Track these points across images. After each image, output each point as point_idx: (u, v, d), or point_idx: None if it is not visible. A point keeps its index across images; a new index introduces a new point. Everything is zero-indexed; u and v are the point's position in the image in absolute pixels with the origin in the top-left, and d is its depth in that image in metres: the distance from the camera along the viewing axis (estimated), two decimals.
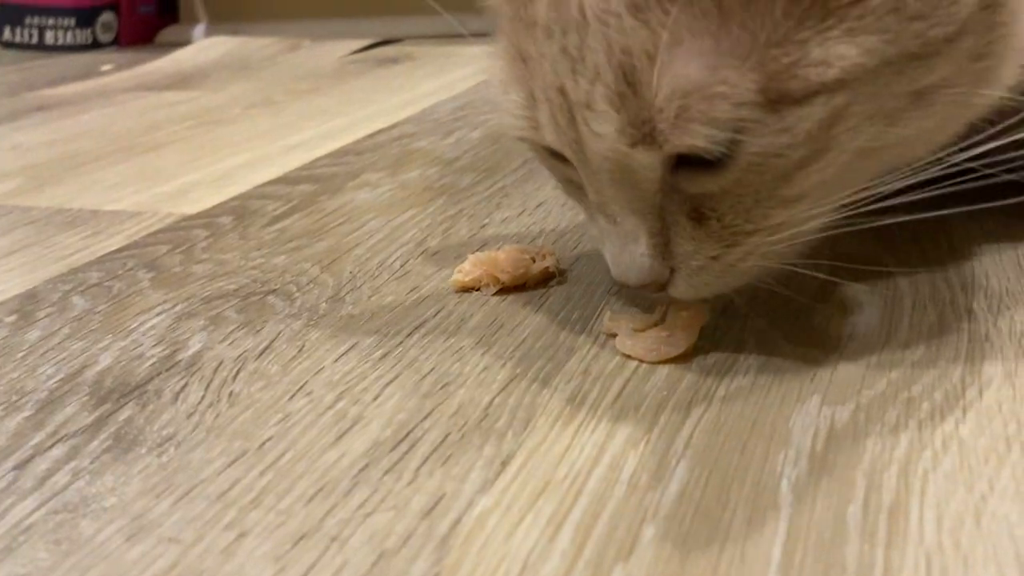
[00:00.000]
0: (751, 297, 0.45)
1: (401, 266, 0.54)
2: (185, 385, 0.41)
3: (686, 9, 0.31)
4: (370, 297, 0.50)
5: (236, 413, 0.38)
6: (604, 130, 0.33)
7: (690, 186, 0.35)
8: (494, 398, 0.38)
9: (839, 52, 0.31)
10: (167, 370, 0.43)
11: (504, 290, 0.49)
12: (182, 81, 1.34)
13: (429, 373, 0.41)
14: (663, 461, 0.33)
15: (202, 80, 1.35)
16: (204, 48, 1.63)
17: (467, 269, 0.49)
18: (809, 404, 0.36)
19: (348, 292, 0.50)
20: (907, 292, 0.45)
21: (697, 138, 0.32)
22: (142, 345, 0.45)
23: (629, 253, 0.37)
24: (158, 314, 0.49)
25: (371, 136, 0.90)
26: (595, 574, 0.28)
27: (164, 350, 0.45)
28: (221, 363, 0.43)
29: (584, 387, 0.39)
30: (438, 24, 1.71)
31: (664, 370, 0.39)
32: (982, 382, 0.37)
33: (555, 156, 0.39)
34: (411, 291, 0.50)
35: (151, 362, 0.44)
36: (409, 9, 1.77)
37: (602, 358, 0.41)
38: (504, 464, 0.34)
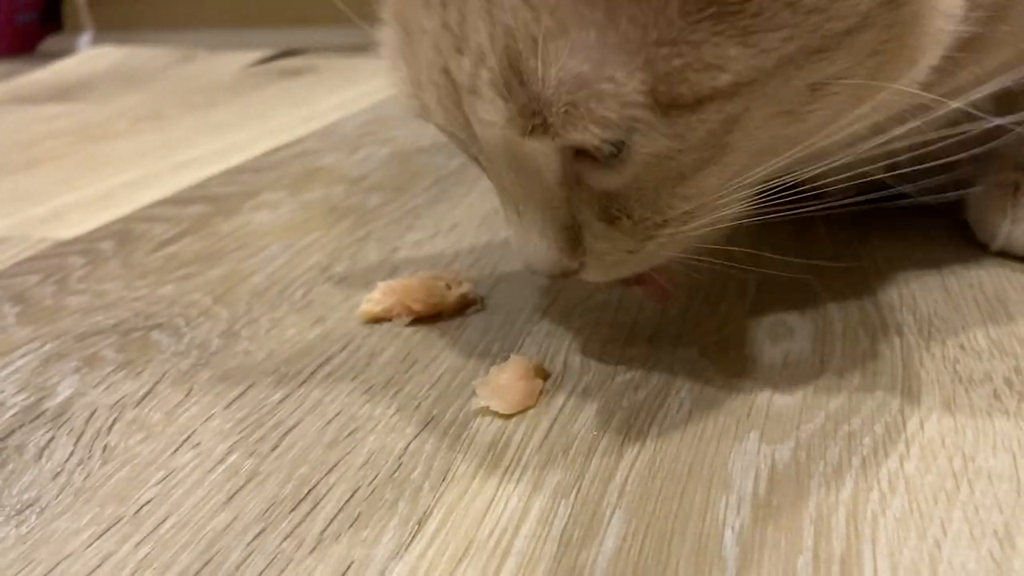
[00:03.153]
0: (679, 324, 0.43)
1: (304, 295, 0.50)
2: (52, 439, 0.36)
3: None
4: (269, 331, 0.45)
5: (110, 472, 0.34)
6: (492, 118, 0.31)
7: (592, 180, 0.33)
8: (408, 445, 0.35)
9: (732, 54, 0.29)
10: (31, 421, 0.37)
11: (418, 320, 0.45)
12: (63, 93, 1.26)
13: (335, 418, 0.37)
14: (596, 513, 0.30)
15: (86, 92, 1.27)
16: (89, 58, 1.54)
17: (377, 298, 0.46)
18: (747, 442, 0.34)
19: (244, 326, 0.46)
20: (837, 316, 0.43)
21: (587, 136, 0.30)
22: (3, 392, 0.40)
23: (535, 245, 0.34)
24: (23, 355, 0.43)
25: (270, 153, 0.85)
26: None
27: (28, 397, 0.39)
28: (94, 412, 0.38)
29: (507, 429, 0.35)
30: (343, 35, 1.67)
31: (593, 406, 0.36)
32: (922, 413, 0.35)
33: (454, 136, 0.35)
34: (315, 323, 0.46)
35: (12, 412, 0.38)
36: (312, 19, 1.72)
37: None
38: (420, 523, 0.30)
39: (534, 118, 0.30)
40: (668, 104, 0.29)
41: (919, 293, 0.45)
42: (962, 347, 0.40)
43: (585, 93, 0.29)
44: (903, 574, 0.27)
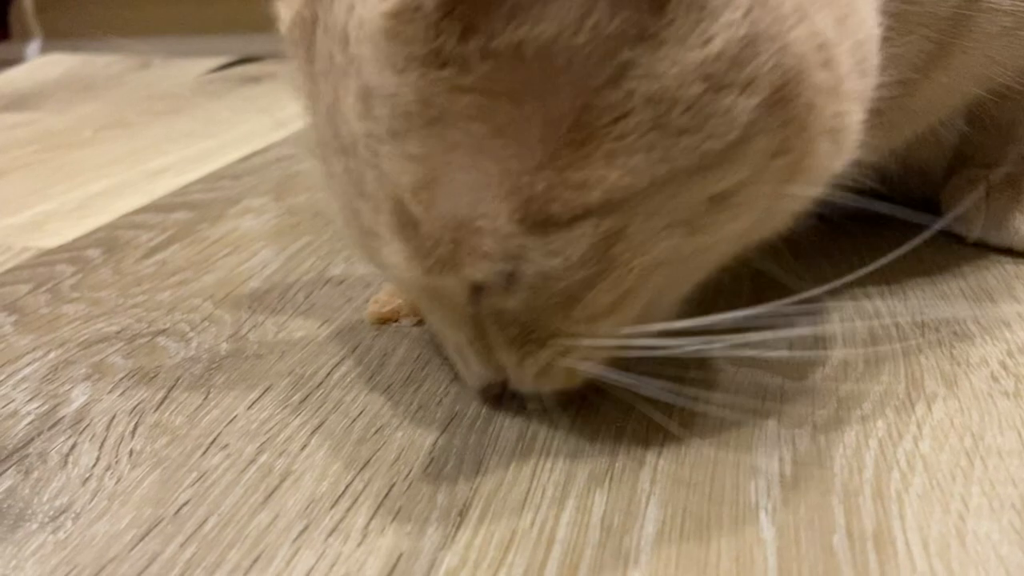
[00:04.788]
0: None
1: (305, 298, 0.50)
2: (74, 445, 0.36)
3: (440, 140, 0.29)
4: (277, 334, 0.45)
5: (141, 475, 0.34)
6: (394, 260, 0.32)
7: (492, 302, 0.33)
8: (436, 440, 0.35)
9: (599, 175, 0.28)
10: (49, 429, 0.37)
11: (424, 321, 0.46)
12: (19, 102, 1.23)
13: (359, 417, 0.37)
14: (632, 500, 0.31)
15: (42, 101, 1.24)
16: (41, 66, 1.51)
17: (384, 299, 0.46)
18: (766, 428, 0.35)
19: (250, 330, 0.46)
20: (832, 307, 0.45)
21: (475, 271, 0.31)
22: (14, 401, 0.39)
23: (465, 365, 0.36)
24: (28, 364, 0.43)
25: (245, 159, 0.84)
26: None
27: (42, 405, 0.39)
28: (113, 417, 0.38)
29: (531, 423, 0.36)
30: None
31: (612, 397, 0.37)
32: (927, 395, 0.36)
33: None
34: (321, 325, 0.46)
35: (28, 420, 0.38)
36: (267, 26, 1.71)
37: None
38: (462, 514, 0.31)
39: (428, 258, 0.31)
40: (543, 223, 0.29)
41: (907, 284, 0.47)
42: (955, 333, 0.42)
43: (465, 232, 0.30)
44: (934, 547, 0.28)
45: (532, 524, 0.30)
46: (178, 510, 0.31)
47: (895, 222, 0.55)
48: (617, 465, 0.33)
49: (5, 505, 0.32)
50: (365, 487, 0.32)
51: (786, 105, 0.29)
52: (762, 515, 0.30)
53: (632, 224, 0.30)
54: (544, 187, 0.29)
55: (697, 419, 0.36)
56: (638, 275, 0.31)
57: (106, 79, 1.41)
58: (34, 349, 0.44)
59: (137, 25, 1.76)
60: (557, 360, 0.33)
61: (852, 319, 0.44)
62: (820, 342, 0.41)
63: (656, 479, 0.32)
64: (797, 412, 0.36)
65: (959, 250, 0.51)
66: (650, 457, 0.33)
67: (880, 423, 0.35)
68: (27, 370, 0.42)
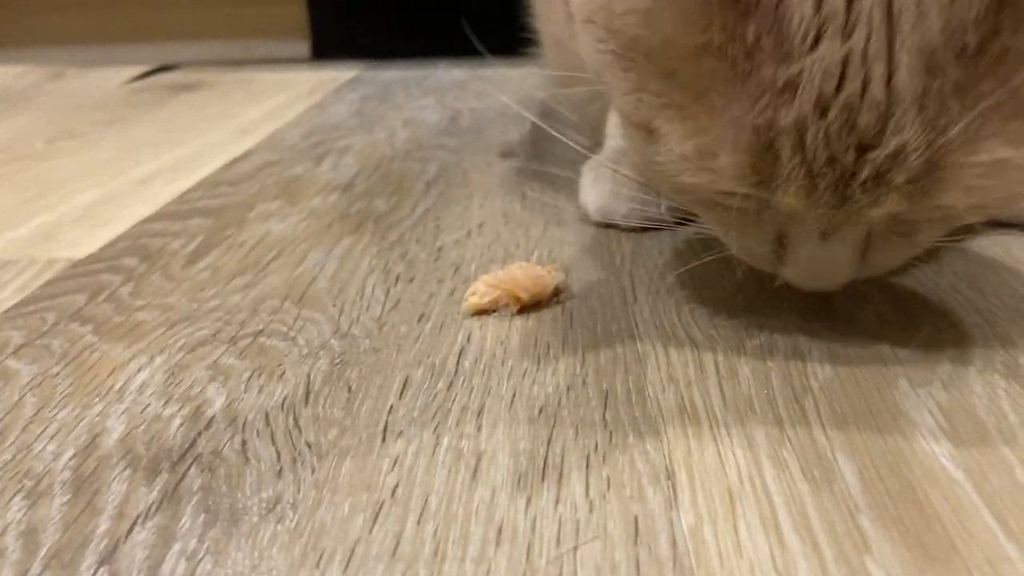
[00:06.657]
0: (768, 294, 0.47)
1: (386, 295, 0.50)
2: (244, 442, 0.35)
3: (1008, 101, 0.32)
4: (380, 329, 0.45)
5: (333, 464, 0.34)
6: (888, 204, 0.34)
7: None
8: (603, 415, 0.37)
9: None
10: (205, 429, 0.36)
11: (522, 310, 0.47)
12: None
13: (514, 399, 0.38)
14: (820, 456, 0.33)
15: None
16: None
17: (482, 290, 0.47)
18: (900, 386, 0.38)
19: (350, 326, 0.46)
20: (909, 282, 0.49)
21: (993, 210, 0.36)
22: (149, 406, 0.38)
23: (833, 269, 0.39)
24: (139, 370, 0.42)
25: (230, 166, 0.82)
26: (852, 570, 0.27)
27: (181, 408, 0.38)
28: (267, 414, 0.37)
29: (683, 394, 0.38)
30: (209, 49, 1.62)
31: (746, 368, 0.40)
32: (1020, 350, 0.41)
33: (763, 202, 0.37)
34: (420, 319, 0.46)
35: (178, 423, 0.37)
36: (174, 35, 1.67)
37: (678, 365, 0.40)
38: (670, 478, 0.32)
39: (930, 200, 0.34)
40: None
41: (954, 260, 0.52)
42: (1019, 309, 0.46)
43: (1005, 182, 0.34)
44: None
45: (741, 482, 0.32)
46: (393, 493, 0.32)
47: None
48: (788, 428, 0.35)
49: (209, 501, 0.31)
50: (562, 461, 0.33)
51: None
52: (943, 460, 0.33)
53: None
54: None
55: (834, 384, 0.38)
56: None
57: (23, 89, 1.34)
58: (135, 357, 0.43)
59: (36, 35, 1.68)
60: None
61: (930, 293, 0.48)
62: (903, 312, 0.45)
63: (828, 437, 0.35)
64: (919, 373, 0.39)
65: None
66: (811, 418, 0.36)
67: (997, 377, 0.39)
68: (142, 376, 0.41)
